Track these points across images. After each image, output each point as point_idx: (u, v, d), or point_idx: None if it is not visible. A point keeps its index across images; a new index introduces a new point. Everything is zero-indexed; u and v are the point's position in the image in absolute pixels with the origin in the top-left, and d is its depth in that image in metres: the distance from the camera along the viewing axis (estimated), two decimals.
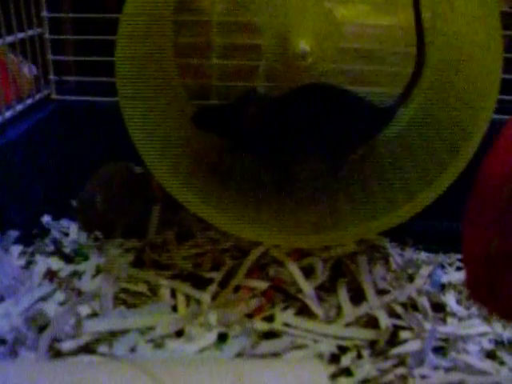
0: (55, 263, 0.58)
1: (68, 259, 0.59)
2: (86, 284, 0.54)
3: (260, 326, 0.50)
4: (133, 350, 0.46)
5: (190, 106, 0.64)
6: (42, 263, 0.57)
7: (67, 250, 0.61)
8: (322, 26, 0.60)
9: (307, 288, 0.55)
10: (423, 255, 0.65)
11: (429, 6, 0.60)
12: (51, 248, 0.61)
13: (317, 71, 0.63)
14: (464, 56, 0.57)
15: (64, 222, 0.66)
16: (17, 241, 0.58)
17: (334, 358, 0.48)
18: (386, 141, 0.63)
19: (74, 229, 0.65)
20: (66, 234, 0.64)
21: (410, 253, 0.65)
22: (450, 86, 0.59)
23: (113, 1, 0.81)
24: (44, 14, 0.69)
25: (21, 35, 0.65)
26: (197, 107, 0.63)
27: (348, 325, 0.52)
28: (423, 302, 0.56)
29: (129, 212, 0.63)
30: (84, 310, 0.50)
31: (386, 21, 0.65)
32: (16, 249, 0.57)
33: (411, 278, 0.60)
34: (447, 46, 0.59)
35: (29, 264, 0.57)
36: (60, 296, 0.52)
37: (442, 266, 0.63)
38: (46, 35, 0.69)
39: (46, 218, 0.66)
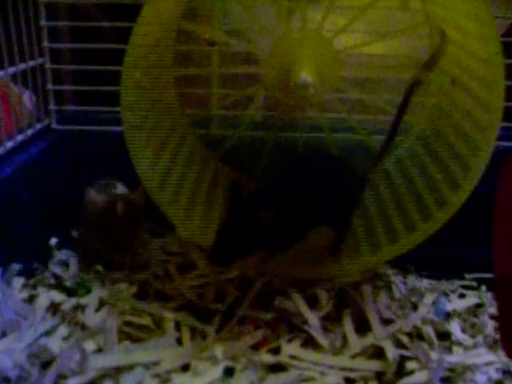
0: (57, 296, 0.57)
1: (70, 292, 0.59)
2: (90, 318, 0.54)
3: (266, 358, 0.50)
4: None
5: (192, 134, 0.65)
6: (45, 296, 0.56)
7: (68, 283, 0.60)
8: (323, 56, 0.60)
9: (312, 319, 0.55)
10: (426, 282, 0.65)
11: (428, 37, 0.61)
12: (52, 280, 0.61)
13: (317, 100, 0.64)
14: (465, 71, 0.57)
15: (65, 254, 0.66)
16: (19, 273, 0.57)
17: None
18: (386, 172, 0.64)
19: (74, 261, 0.64)
20: (67, 266, 0.64)
21: (412, 280, 0.65)
22: (448, 119, 0.59)
23: (111, 31, 0.82)
24: (46, 44, 0.69)
25: (22, 66, 0.65)
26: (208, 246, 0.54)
27: (354, 356, 0.52)
28: (428, 331, 0.56)
29: (107, 242, 0.62)
30: (89, 345, 0.49)
31: (383, 49, 0.66)
32: (18, 281, 0.56)
33: (415, 307, 0.60)
34: (449, 63, 0.59)
35: (31, 297, 0.56)
36: (64, 330, 0.51)
37: (445, 294, 0.63)
38: (48, 65, 0.70)
39: (48, 249, 0.66)
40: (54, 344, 0.49)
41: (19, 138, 0.65)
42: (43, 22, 0.68)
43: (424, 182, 0.59)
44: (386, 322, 0.56)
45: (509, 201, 0.36)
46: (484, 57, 0.51)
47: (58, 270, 0.63)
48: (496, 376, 0.51)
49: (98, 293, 0.57)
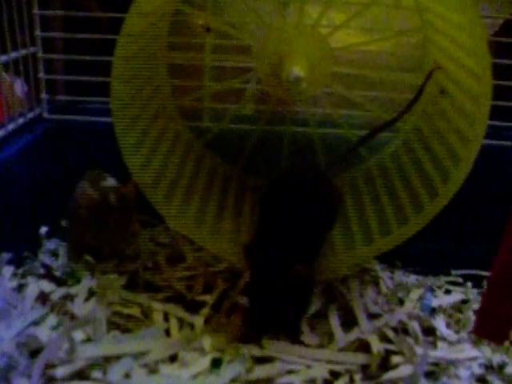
0: (47, 285, 0.57)
1: (59, 281, 0.59)
2: (79, 307, 0.54)
3: (253, 351, 0.50)
4: (127, 375, 0.46)
5: (186, 127, 0.65)
6: (34, 285, 0.56)
7: (58, 273, 0.60)
8: (316, 52, 0.60)
9: None
10: (412, 278, 0.66)
11: (421, 32, 0.62)
12: (42, 270, 0.61)
13: (308, 95, 0.64)
14: (453, 82, 0.58)
15: (55, 243, 0.66)
16: (8, 262, 0.57)
17: None
18: (379, 165, 0.64)
19: (64, 250, 0.64)
20: (57, 255, 0.64)
21: (399, 276, 0.66)
22: (440, 113, 0.60)
23: (104, 21, 0.82)
24: (38, 33, 0.69)
25: (14, 54, 0.65)
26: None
27: (340, 350, 0.52)
28: (414, 326, 0.56)
29: (98, 235, 0.63)
30: (77, 334, 0.49)
31: (377, 47, 0.66)
32: (8, 270, 0.56)
33: (401, 302, 0.61)
34: (438, 72, 0.60)
35: (20, 286, 0.57)
36: (53, 320, 0.51)
37: (432, 289, 0.64)
38: (40, 54, 0.69)
39: (38, 238, 0.66)
40: (43, 333, 0.49)
41: (10, 126, 0.65)
42: (36, 11, 0.68)
43: (416, 174, 0.59)
44: (373, 316, 0.57)
45: None
46: (474, 70, 0.52)
47: (47, 259, 0.63)
48: (479, 371, 0.52)
49: (87, 283, 0.58)
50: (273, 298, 0.50)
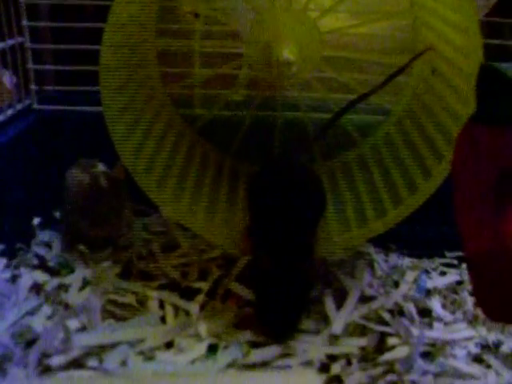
0: (40, 276, 0.57)
1: (53, 272, 0.59)
2: (73, 297, 0.54)
3: (248, 336, 0.50)
4: (123, 363, 0.46)
5: (177, 115, 0.65)
6: (27, 276, 0.56)
7: (51, 263, 0.60)
8: (306, 35, 0.60)
9: None
10: (407, 261, 0.66)
11: (412, 13, 0.62)
12: (35, 260, 0.60)
13: (299, 79, 0.64)
14: (445, 62, 0.58)
15: (48, 234, 0.66)
16: (1, 253, 0.57)
17: (324, 367, 0.48)
18: (372, 147, 0.64)
19: (57, 241, 0.64)
20: (50, 246, 0.64)
21: (394, 258, 0.66)
22: (432, 92, 0.60)
23: (92, 10, 0.81)
24: (24, 22, 0.68)
25: (1, 45, 0.64)
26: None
27: (336, 332, 0.52)
28: (409, 307, 0.56)
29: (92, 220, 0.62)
30: (72, 323, 0.49)
31: (367, 30, 0.66)
32: (1, 262, 0.56)
33: (396, 284, 0.61)
34: (430, 52, 0.60)
35: (14, 277, 0.56)
36: (47, 310, 0.51)
37: (426, 271, 0.64)
38: (27, 44, 0.69)
39: (30, 229, 0.65)
40: (38, 323, 0.49)
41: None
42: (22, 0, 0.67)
43: (410, 155, 0.59)
44: (368, 299, 0.57)
45: (462, 167, 0.36)
46: (465, 49, 0.52)
47: (40, 250, 0.63)
48: (475, 350, 0.52)
49: (81, 272, 0.58)
50: (284, 299, 0.51)
